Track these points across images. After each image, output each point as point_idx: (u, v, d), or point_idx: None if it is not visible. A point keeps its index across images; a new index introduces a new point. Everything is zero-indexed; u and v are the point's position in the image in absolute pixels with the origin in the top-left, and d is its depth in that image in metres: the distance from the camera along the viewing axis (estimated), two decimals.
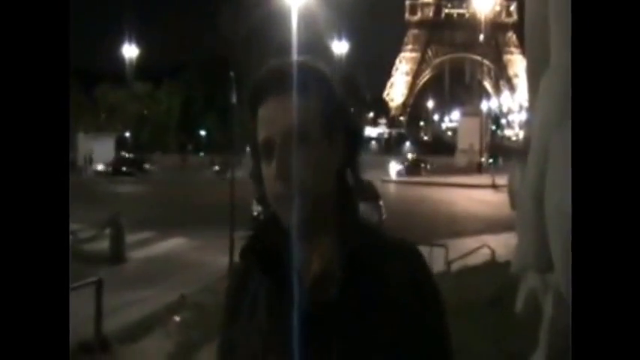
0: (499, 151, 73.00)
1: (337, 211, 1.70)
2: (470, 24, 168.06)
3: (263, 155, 1.67)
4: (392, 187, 44.84)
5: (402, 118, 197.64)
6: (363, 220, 1.75)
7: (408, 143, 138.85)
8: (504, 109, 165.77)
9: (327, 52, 74.91)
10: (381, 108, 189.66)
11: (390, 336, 1.60)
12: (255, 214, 19.23)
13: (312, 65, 1.72)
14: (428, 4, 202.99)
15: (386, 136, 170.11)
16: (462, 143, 72.91)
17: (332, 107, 1.68)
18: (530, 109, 2.97)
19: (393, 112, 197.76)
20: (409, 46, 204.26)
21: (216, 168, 53.61)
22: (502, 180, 33.84)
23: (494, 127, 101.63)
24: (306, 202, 1.63)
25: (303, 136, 1.63)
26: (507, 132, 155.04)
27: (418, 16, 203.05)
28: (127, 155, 61.18)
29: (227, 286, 1.92)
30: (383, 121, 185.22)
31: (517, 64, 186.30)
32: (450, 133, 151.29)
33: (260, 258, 1.74)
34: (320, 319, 1.61)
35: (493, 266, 15.13)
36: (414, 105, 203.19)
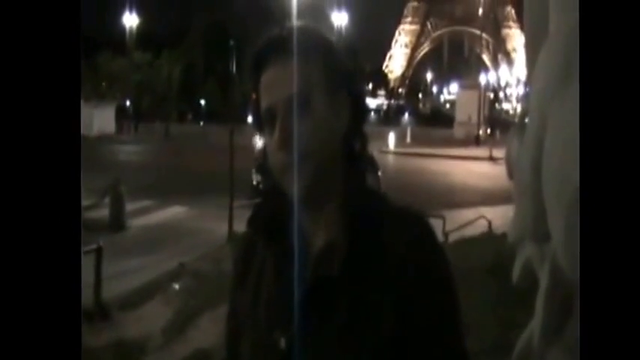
0: (497, 124, 72.76)
1: (343, 180, 1.68)
2: None
3: (265, 123, 1.66)
4: (390, 158, 44.74)
5: (400, 90, 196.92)
6: (369, 189, 1.73)
7: (406, 115, 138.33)
8: (502, 83, 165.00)
9: (326, 22, 74.50)
10: (381, 80, 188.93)
11: (397, 306, 1.57)
12: (255, 183, 19.30)
13: (314, 30, 1.71)
14: None
15: (385, 107, 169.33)
16: (460, 116, 72.58)
17: (335, 73, 1.67)
18: (529, 80, 2.98)
19: (392, 84, 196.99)
20: (408, 19, 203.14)
21: None
22: (499, 153, 33.81)
23: (492, 95, 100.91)
24: (309, 169, 1.61)
25: (305, 102, 1.61)
26: (505, 105, 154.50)
27: None
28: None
29: (234, 254, 1.92)
30: (382, 92, 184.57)
31: (515, 39, 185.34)
32: (448, 105, 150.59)
33: (266, 227, 1.73)
34: (325, 291, 1.60)
35: (490, 237, 15.14)
36: (412, 77, 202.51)
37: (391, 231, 1.62)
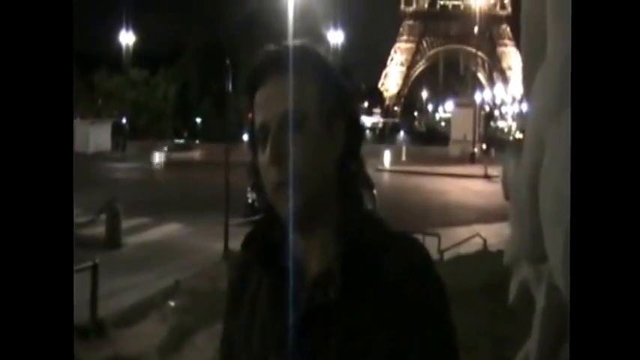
0: (492, 142, 72.84)
1: (338, 203, 1.64)
2: (464, 16, 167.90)
3: (259, 141, 1.62)
4: (386, 176, 44.79)
5: (396, 108, 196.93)
6: (365, 213, 1.69)
7: (402, 133, 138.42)
8: (497, 101, 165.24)
9: (322, 40, 74.59)
10: (376, 98, 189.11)
11: (392, 333, 1.52)
12: (250, 201, 19.31)
13: (311, 49, 1.68)
14: None
15: (380, 125, 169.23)
16: (455, 134, 72.71)
17: (331, 93, 1.63)
18: (526, 101, 2.99)
19: (387, 102, 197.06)
20: (404, 37, 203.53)
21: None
22: (495, 171, 33.87)
23: (487, 113, 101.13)
24: (301, 190, 1.57)
25: (299, 121, 1.58)
26: (500, 123, 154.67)
27: (413, 7, 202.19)
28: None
29: (229, 277, 1.89)
30: (377, 110, 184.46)
31: (511, 57, 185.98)
32: (443, 123, 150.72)
33: (261, 251, 1.69)
34: (319, 316, 1.57)
35: (485, 255, 15.19)
36: (408, 95, 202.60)
37: (387, 257, 1.58)
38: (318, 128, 1.60)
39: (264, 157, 1.60)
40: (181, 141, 62.52)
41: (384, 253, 1.58)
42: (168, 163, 51.19)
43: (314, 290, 1.59)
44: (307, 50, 1.67)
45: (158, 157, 53.60)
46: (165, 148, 56.81)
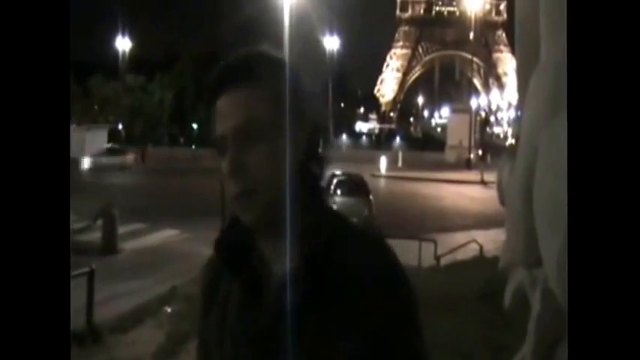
0: (488, 147, 72.98)
1: (301, 205, 1.63)
2: (460, 22, 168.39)
3: (219, 152, 1.62)
4: (382, 182, 44.82)
5: (392, 113, 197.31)
6: (329, 213, 1.69)
7: (398, 138, 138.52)
8: (493, 107, 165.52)
9: (318, 46, 74.90)
10: (372, 104, 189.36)
11: (361, 330, 1.51)
12: None
13: (270, 55, 1.66)
14: (419, 2, 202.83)
15: (376, 131, 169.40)
16: (451, 139, 72.85)
17: (292, 100, 1.61)
18: (520, 106, 3.00)
19: (383, 108, 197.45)
20: (400, 43, 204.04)
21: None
22: (490, 176, 33.92)
23: (483, 119, 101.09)
24: (260, 201, 1.58)
25: (256, 131, 1.58)
26: (496, 129, 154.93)
27: (409, 13, 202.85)
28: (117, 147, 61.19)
29: (201, 282, 1.90)
30: (374, 116, 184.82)
31: (506, 63, 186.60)
32: (439, 129, 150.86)
33: (228, 254, 1.71)
34: (289, 318, 1.56)
35: (481, 261, 15.19)
36: (404, 101, 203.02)
37: (352, 256, 1.57)
38: (277, 137, 1.59)
39: (223, 168, 1.60)
40: (116, 146, 61.34)
41: (348, 252, 1.58)
42: (96, 169, 49.93)
43: (281, 292, 1.58)
44: (262, 56, 1.66)
45: (87, 163, 51.79)
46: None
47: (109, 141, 62.08)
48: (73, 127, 55.87)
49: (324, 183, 1.72)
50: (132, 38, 75.92)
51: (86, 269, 9.97)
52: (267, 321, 1.60)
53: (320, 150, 1.69)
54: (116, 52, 74.16)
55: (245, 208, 1.60)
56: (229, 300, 1.71)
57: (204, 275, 1.88)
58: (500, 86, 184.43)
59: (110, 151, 57.13)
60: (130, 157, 56.84)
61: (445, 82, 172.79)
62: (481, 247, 17.07)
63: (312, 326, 1.54)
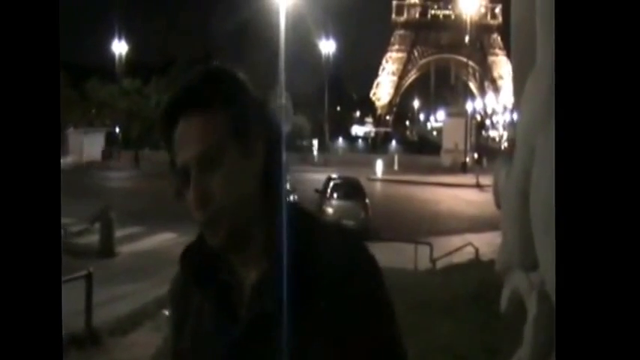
0: (483, 151, 72.89)
1: (265, 216, 1.63)
2: (455, 25, 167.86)
3: (182, 181, 1.59)
4: (378, 186, 44.78)
5: (388, 117, 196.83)
6: (297, 216, 1.66)
7: (394, 142, 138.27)
8: (489, 110, 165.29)
9: (314, 50, 74.93)
10: (368, 107, 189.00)
11: (335, 329, 1.53)
12: None
13: (218, 74, 1.64)
14: (414, 5, 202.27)
15: (372, 135, 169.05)
16: (447, 143, 72.71)
17: (245, 118, 1.59)
18: (516, 109, 3.02)
19: (379, 112, 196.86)
20: (395, 47, 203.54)
21: None
22: (486, 180, 33.92)
23: (478, 122, 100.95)
24: (225, 226, 1.58)
25: (219, 156, 1.56)
26: (492, 132, 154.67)
27: (404, 17, 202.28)
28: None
29: (169, 292, 1.88)
30: (369, 120, 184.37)
31: (501, 66, 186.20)
32: (435, 133, 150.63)
33: (196, 265, 1.71)
34: (261, 327, 1.58)
35: (477, 264, 15.21)
36: (400, 105, 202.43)
37: (320, 257, 1.58)
38: (237, 159, 1.58)
39: (188, 197, 1.59)
40: (111, 149, 60.81)
41: (316, 255, 1.58)
42: (93, 172, 48.79)
43: (252, 301, 1.61)
44: (219, 75, 1.63)
45: (85, 166, 51.27)
46: None
47: (105, 144, 61.99)
48: (70, 130, 55.81)
49: (289, 183, 1.69)
50: (128, 42, 75.70)
51: (84, 272, 9.98)
52: (241, 330, 1.60)
53: (278, 153, 1.66)
54: (113, 56, 73.88)
55: (211, 235, 1.61)
56: (203, 310, 1.70)
57: (174, 287, 1.87)
58: (496, 89, 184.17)
59: (105, 155, 56.96)
60: (68, 159, 55.89)
61: (441, 85, 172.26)
62: (477, 250, 17.08)
63: (287, 331, 1.54)
